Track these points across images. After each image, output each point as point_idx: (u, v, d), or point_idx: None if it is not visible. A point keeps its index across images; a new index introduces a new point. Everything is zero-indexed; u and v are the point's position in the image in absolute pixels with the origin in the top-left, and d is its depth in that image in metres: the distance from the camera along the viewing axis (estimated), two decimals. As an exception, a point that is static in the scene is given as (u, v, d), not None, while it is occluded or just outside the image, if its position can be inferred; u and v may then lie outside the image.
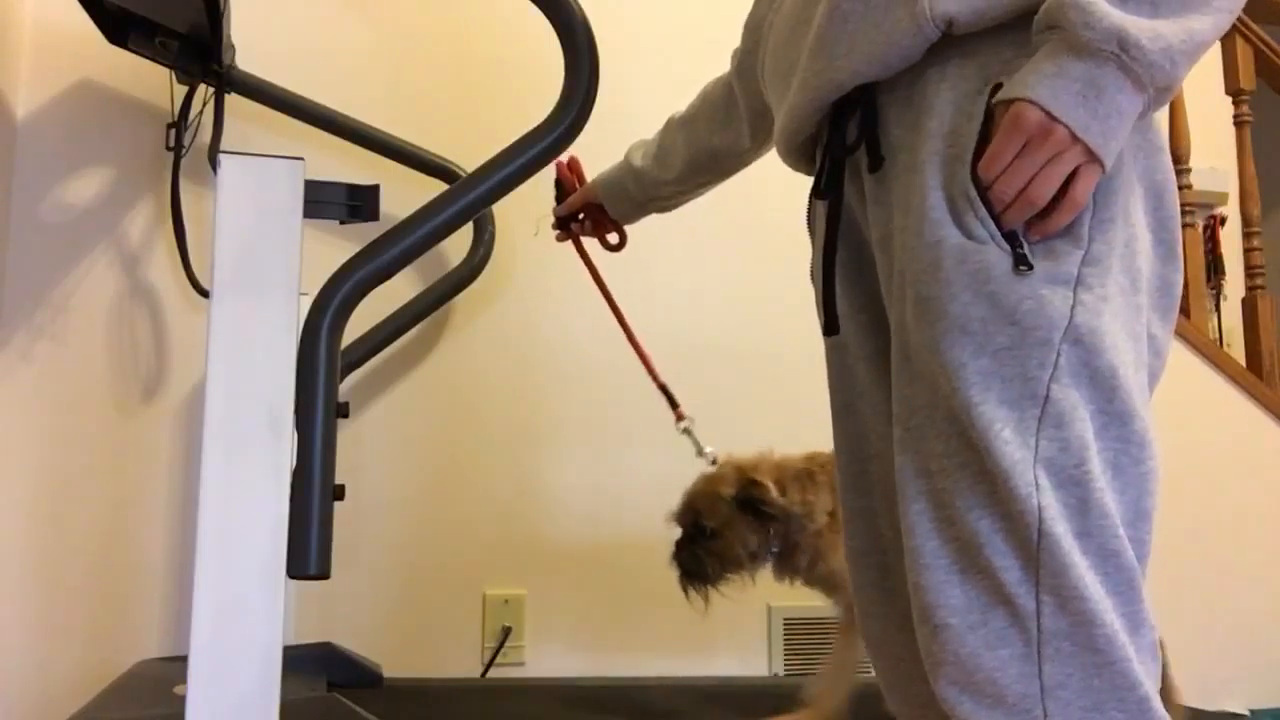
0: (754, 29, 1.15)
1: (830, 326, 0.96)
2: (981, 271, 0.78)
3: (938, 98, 0.84)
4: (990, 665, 0.77)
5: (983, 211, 0.79)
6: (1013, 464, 0.76)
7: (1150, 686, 0.76)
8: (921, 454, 0.81)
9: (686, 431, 1.57)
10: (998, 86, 0.81)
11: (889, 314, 0.88)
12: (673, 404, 1.57)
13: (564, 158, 1.43)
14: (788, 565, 1.57)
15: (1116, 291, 0.80)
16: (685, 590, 1.55)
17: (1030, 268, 0.78)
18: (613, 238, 1.45)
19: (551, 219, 1.47)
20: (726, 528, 1.52)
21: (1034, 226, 0.79)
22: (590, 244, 1.48)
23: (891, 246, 0.86)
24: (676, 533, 1.57)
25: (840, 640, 1.59)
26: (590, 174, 1.45)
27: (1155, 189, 0.85)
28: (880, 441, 0.95)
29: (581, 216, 1.44)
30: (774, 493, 1.51)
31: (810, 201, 1.04)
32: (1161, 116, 0.87)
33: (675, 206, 1.38)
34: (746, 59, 1.18)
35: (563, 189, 1.46)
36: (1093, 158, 0.77)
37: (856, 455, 0.99)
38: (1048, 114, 0.76)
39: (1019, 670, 0.76)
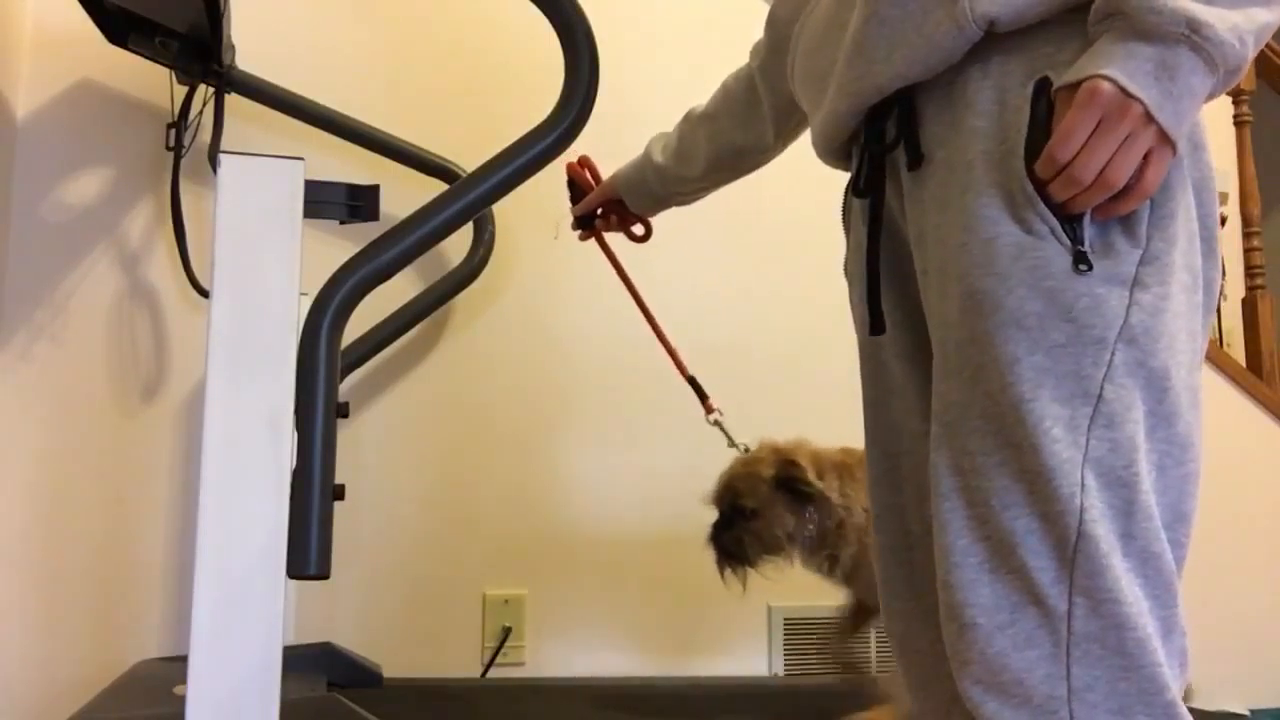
0: (779, 26, 1.15)
1: (876, 326, 0.95)
2: (1040, 267, 0.77)
3: (980, 95, 0.83)
4: (1018, 666, 0.76)
5: (1041, 206, 0.77)
6: (1059, 463, 0.75)
7: (1177, 691, 0.76)
8: (956, 450, 0.80)
9: (717, 424, 1.56)
10: (1043, 80, 0.80)
11: (925, 311, 0.87)
12: (702, 397, 1.57)
13: (574, 157, 1.43)
14: (818, 555, 1.56)
15: (1179, 290, 0.79)
16: (722, 572, 1.55)
17: (1089, 267, 0.77)
18: (638, 229, 1.45)
19: (570, 220, 1.47)
20: (766, 508, 1.52)
21: (1098, 209, 0.78)
22: (614, 239, 1.48)
23: (926, 244, 0.86)
24: (711, 516, 1.57)
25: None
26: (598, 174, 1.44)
27: (1196, 185, 0.84)
28: (911, 439, 0.94)
29: (600, 212, 1.43)
30: (812, 474, 1.50)
31: (846, 197, 1.03)
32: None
33: (696, 200, 1.38)
34: (771, 59, 1.18)
35: (577, 188, 1.45)
36: (1165, 140, 0.75)
37: (888, 451, 0.98)
38: (1123, 90, 0.74)
39: (1046, 671, 0.76)
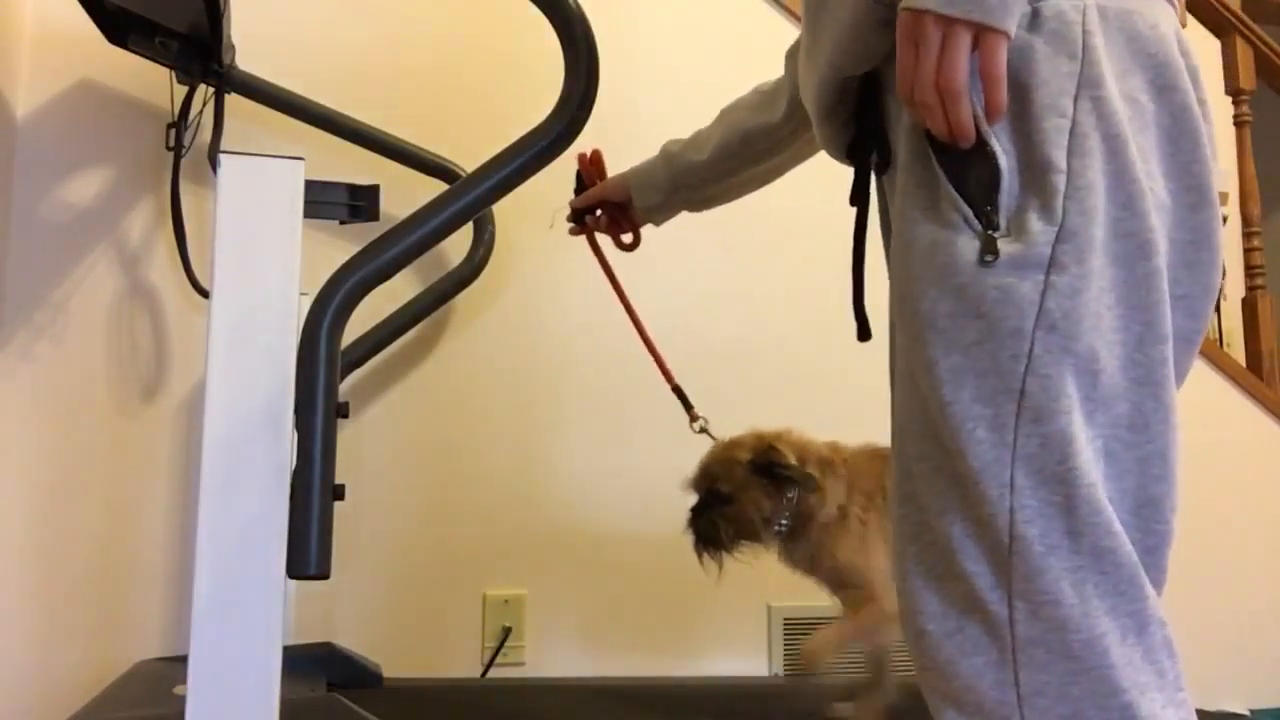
0: None
1: (861, 332, 0.95)
2: (948, 265, 0.76)
3: None
4: (966, 672, 0.76)
5: (953, 192, 0.77)
6: (985, 465, 0.74)
7: (1135, 693, 0.73)
8: (903, 457, 0.81)
9: (703, 431, 1.56)
10: None
11: None
12: (687, 406, 1.57)
13: (586, 150, 1.43)
14: (793, 548, 1.56)
15: (1107, 263, 0.76)
16: (700, 556, 1.54)
17: (995, 256, 0.74)
18: (627, 237, 1.44)
19: (567, 210, 1.46)
20: (741, 491, 1.51)
21: (989, 115, 0.77)
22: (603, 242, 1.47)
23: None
24: (690, 500, 1.57)
25: (840, 624, 1.59)
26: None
27: (1169, 132, 0.80)
28: None
29: (598, 212, 1.42)
30: (791, 458, 1.50)
31: None
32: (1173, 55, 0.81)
33: (705, 203, 1.32)
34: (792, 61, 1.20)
35: (583, 182, 1.44)
36: (979, 27, 0.74)
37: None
38: (911, 11, 0.76)
39: (995, 677, 0.75)
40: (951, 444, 0.76)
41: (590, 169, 1.44)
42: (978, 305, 0.74)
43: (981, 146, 0.77)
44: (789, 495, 1.52)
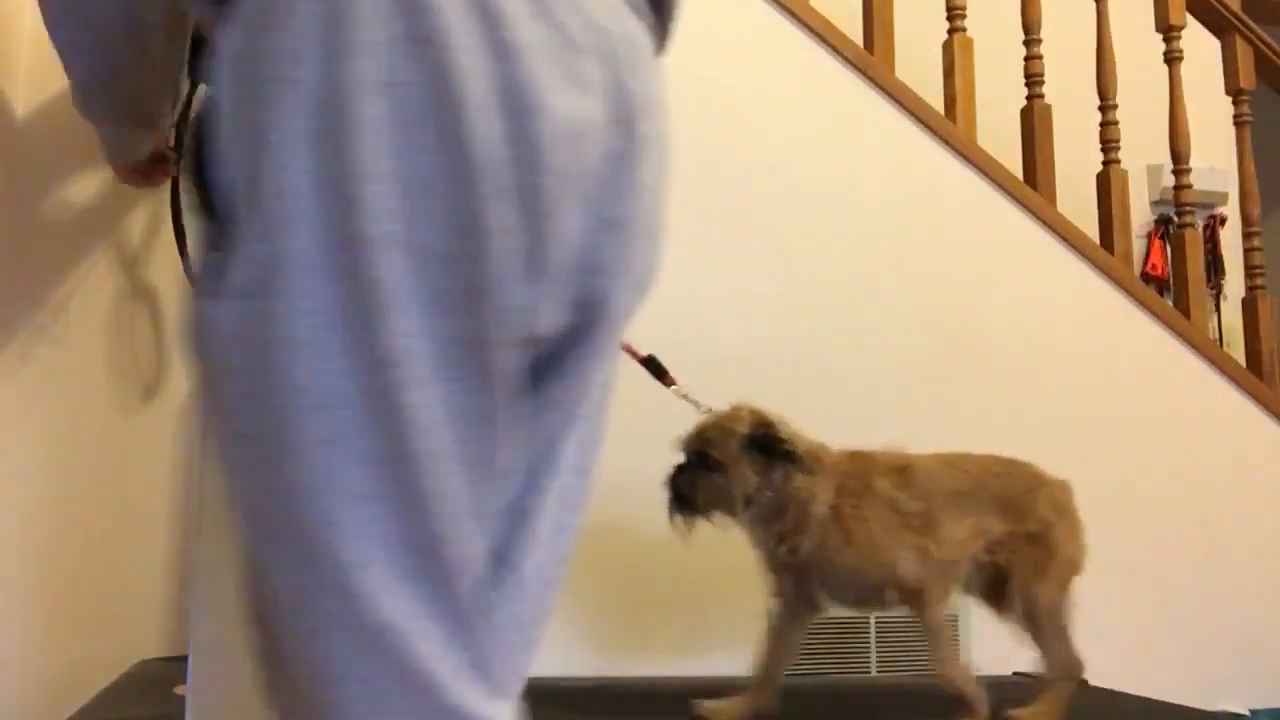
0: None
1: None
2: None
3: None
4: None
5: None
6: None
7: None
8: None
9: (685, 396, 1.56)
10: None
11: None
12: (660, 373, 1.57)
13: None
14: (770, 528, 1.55)
15: None
16: (671, 516, 1.55)
17: None
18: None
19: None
20: (731, 464, 1.51)
21: None
22: None
23: None
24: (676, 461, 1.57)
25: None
26: None
27: None
28: None
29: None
30: (786, 436, 1.50)
31: None
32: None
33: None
34: None
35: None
36: None
37: None
38: None
39: None
40: None
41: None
42: None
43: None
44: (775, 476, 1.51)
